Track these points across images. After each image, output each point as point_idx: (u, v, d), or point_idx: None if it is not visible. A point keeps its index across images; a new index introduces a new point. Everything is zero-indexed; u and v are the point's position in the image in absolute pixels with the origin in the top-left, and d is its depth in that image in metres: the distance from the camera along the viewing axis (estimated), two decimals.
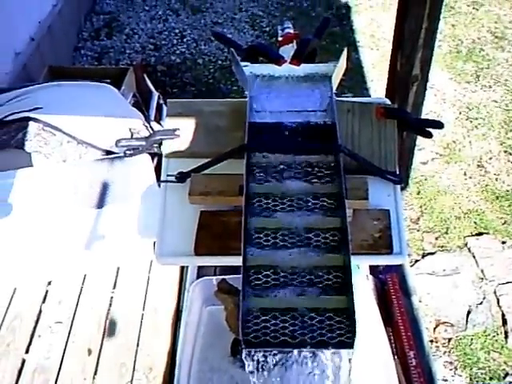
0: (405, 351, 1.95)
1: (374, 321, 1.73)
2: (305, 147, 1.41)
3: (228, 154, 1.44)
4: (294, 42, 1.88)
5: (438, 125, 1.57)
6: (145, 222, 2.38)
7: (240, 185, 1.37)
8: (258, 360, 1.13)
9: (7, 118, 2.41)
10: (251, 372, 1.15)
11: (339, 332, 1.09)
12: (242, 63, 1.64)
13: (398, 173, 1.49)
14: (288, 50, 1.76)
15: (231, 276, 1.66)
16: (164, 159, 1.56)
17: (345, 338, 1.08)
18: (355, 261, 1.24)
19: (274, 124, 1.47)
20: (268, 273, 1.19)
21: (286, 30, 1.96)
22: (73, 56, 4.69)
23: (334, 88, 1.60)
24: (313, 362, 1.16)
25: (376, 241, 1.39)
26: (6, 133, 2.36)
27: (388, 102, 1.67)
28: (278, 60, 1.63)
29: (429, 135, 1.54)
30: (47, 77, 3.45)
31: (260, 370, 1.16)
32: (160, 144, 1.58)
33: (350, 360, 1.12)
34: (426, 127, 1.55)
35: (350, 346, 1.07)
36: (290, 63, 1.64)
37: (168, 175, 1.51)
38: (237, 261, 1.43)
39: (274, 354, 1.13)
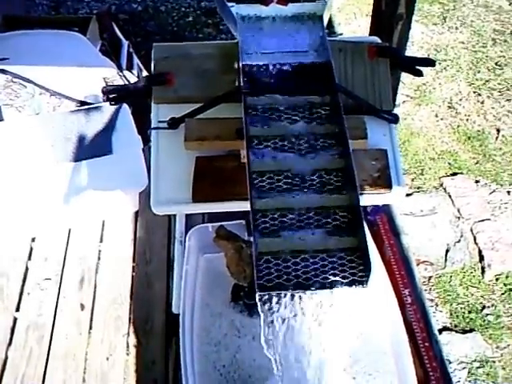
0: (400, 289, 1.99)
1: (375, 258, 1.75)
2: (302, 87, 1.38)
3: (222, 97, 1.41)
4: None
5: (430, 62, 1.55)
6: (126, 172, 2.33)
7: (237, 128, 1.34)
8: (269, 304, 1.13)
9: None
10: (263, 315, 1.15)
11: (352, 271, 1.09)
12: (228, 3, 1.59)
13: (393, 112, 1.49)
14: None
15: (227, 222, 1.64)
16: (153, 105, 1.51)
17: (358, 276, 1.08)
18: None
19: (267, 65, 1.44)
20: (275, 216, 1.18)
21: None
22: (26, 5, 4.45)
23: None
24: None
25: (375, 180, 1.39)
26: None
27: (379, 40, 1.64)
28: None
29: (419, 73, 1.53)
30: (2, 27, 3.25)
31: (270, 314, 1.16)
32: (148, 90, 1.52)
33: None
34: (418, 65, 1.54)
35: (365, 283, 1.07)
36: (277, 3, 1.59)
37: (159, 121, 1.47)
38: (235, 206, 1.41)
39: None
